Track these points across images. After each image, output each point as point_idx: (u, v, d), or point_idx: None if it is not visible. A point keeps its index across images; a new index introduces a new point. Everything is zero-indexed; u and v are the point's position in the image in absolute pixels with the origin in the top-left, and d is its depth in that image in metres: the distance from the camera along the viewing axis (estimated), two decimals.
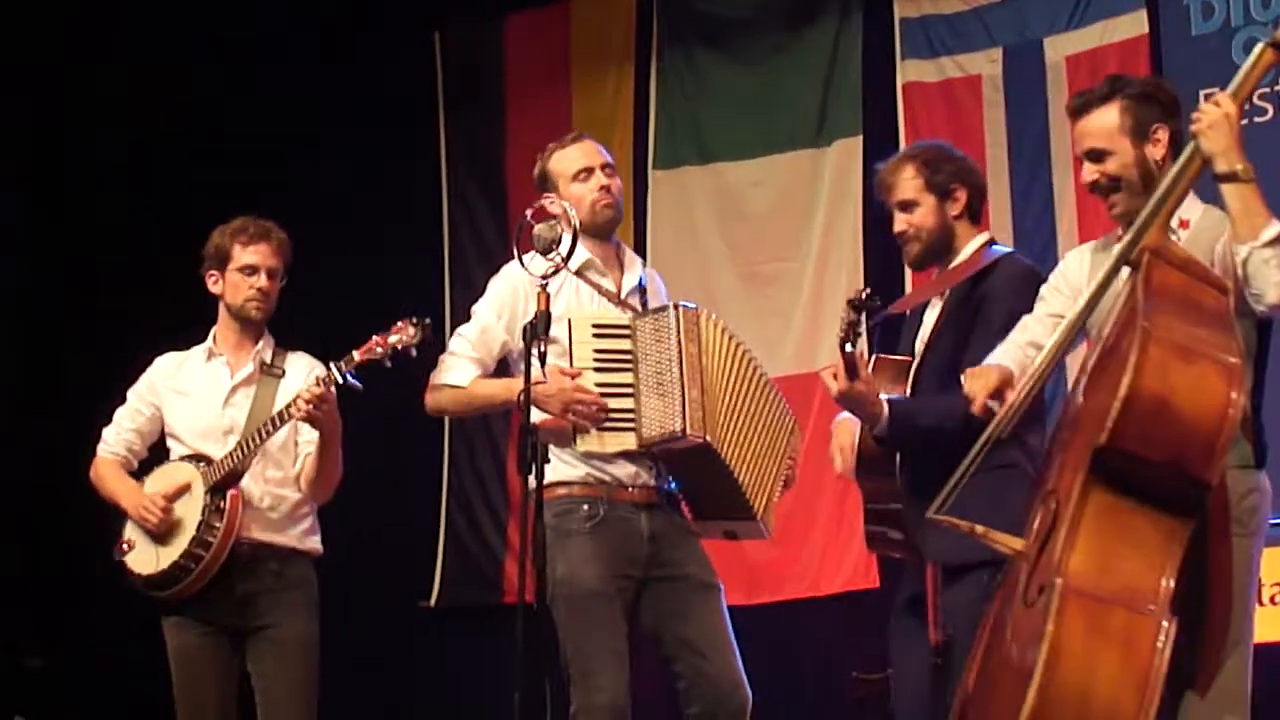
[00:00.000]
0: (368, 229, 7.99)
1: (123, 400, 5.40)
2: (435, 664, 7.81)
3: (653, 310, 4.91)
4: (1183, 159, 3.99)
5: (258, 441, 5.10)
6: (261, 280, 5.23)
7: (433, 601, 7.91)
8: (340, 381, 5.01)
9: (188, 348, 5.38)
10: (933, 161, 4.70)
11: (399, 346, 4.98)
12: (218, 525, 5.08)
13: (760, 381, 4.94)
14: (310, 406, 4.97)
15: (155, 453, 5.40)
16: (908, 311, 4.84)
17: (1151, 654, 3.57)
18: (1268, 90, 6.55)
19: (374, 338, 5.02)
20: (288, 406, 5.05)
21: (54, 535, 7.56)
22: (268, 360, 5.29)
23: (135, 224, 7.92)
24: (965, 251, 4.66)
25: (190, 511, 5.13)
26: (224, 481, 5.11)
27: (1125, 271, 3.96)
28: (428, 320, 5.04)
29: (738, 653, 4.85)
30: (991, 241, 4.73)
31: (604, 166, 4.99)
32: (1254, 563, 4.01)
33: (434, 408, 5.05)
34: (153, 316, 7.50)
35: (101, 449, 5.38)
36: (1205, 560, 3.87)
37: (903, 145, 7.13)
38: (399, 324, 5.01)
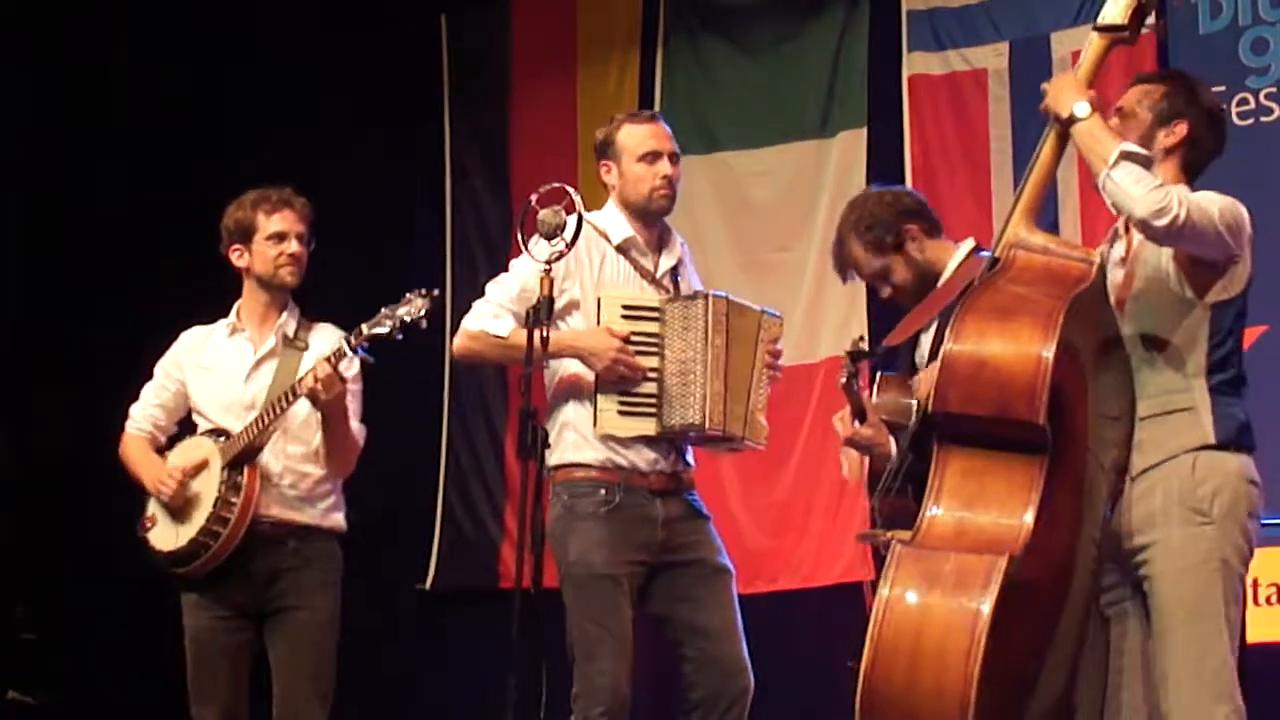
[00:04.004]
0: (370, 211, 7.99)
1: (142, 375, 5.39)
2: (430, 646, 7.82)
3: (684, 297, 4.93)
4: (1035, 153, 4.14)
5: (274, 415, 5.08)
6: (293, 246, 5.23)
7: (428, 584, 7.93)
8: (350, 355, 5.00)
9: (211, 322, 5.38)
10: (870, 225, 4.72)
11: (407, 319, 4.96)
12: (235, 500, 5.07)
13: (749, 323, 4.93)
14: (316, 384, 4.95)
15: (184, 429, 5.39)
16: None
17: (983, 592, 3.69)
18: (1274, 89, 6.57)
19: (382, 310, 4.99)
20: (299, 381, 5.03)
21: (49, 508, 7.56)
22: (290, 333, 5.27)
23: (135, 197, 7.92)
24: (950, 266, 4.69)
25: (207, 487, 5.12)
26: (241, 456, 5.10)
27: None
28: (435, 291, 5.04)
29: (744, 639, 4.89)
30: (978, 248, 4.73)
31: (671, 154, 5.00)
32: (1226, 551, 4.00)
33: (466, 352, 5.00)
34: (151, 291, 7.54)
35: (129, 426, 5.38)
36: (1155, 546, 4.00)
37: (907, 138, 7.17)
38: (407, 295, 5.00)
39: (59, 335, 7.84)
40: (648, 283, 4.97)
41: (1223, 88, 6.62)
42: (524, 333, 4.78)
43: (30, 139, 7.94)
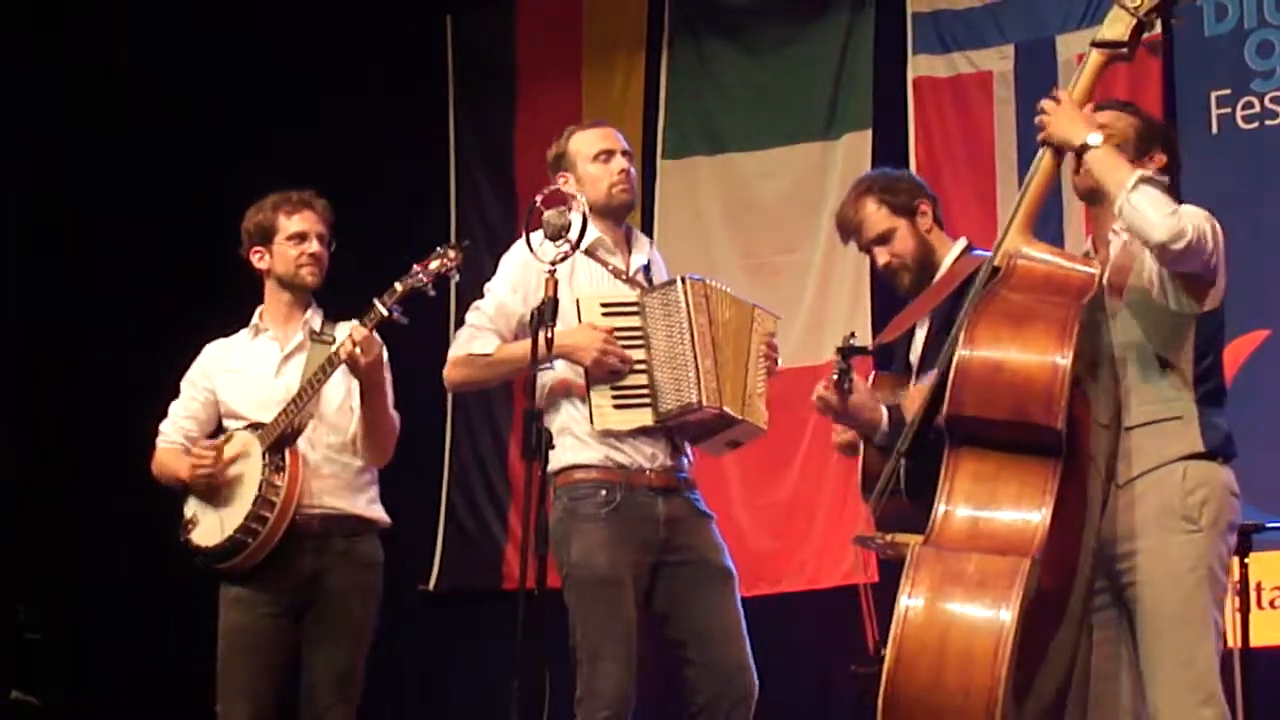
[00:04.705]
0: (374, 211, 7.97)
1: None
2: (433, 646, 7.81)
3: (660, 285, 4.92)
4: (1033, 166, 4.16)
5: (311, 392, 5.05)
6: (313, 246, 5.23)
7: (431, 585, 7.92)
8: (385, 314, 4.97)
9: (230, 334, 5.36)
10: (888, 186, 4.74)
11: (441, 271, 4.97)
12: (279, 483, 5.03)
13: (741, 313, 4.94)
14: (354, 348, 4.91)
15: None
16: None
17: (1008, 593, 3.72)
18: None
19: (414, 266, 5.00)
20: (336, 350, 5.00)
21: (50, 508, 7.55)
22: (317, 328, 5.25)
23: (135, 197, 7.91)
24: (946, 262, 4.68)
25: (250, 473, 5.07)
26: (280, 440, 5.06)
27: None
28: (466, 242, 5.07)
29: (747, 640, 4.87)
30: (970, 247, 4.73)
31: (624, 152, 5.03)
32: (1212, 559, 4.03)
33: (457, 381, 5.01)
34: (151, 291, 7.54)
35: (159, 441, 5.33)
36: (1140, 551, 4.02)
37: (912, 140, 7.19)
38: (437, 250, 5.01)
39: (59, 335, 7.82)
40: (621, 281, 4.96)
41: (1228, 91, 6.64)
42: (509, 347, 4.85)
43: (30, 139, 7.93)
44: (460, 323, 5.05)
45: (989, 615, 3.72)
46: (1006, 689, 3.69)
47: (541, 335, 4.40)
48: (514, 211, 7.76)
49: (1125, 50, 4.17)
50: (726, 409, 4.81)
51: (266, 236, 5.23)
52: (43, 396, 7.56)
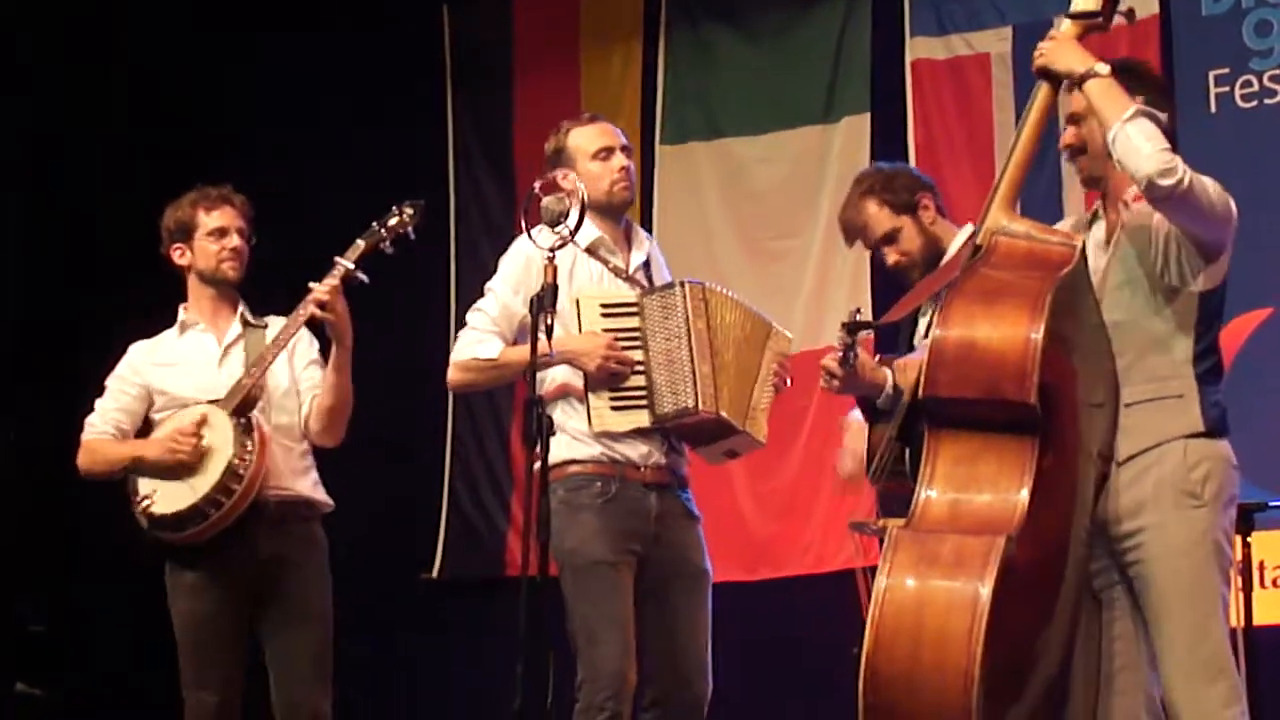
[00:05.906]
0: (373, 204, 7.96)
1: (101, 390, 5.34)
2: (436, 635, 7.81)
3: (660, 288, 4.93)
4: (1023, 117, 4.13)
5: (272, 355, 5.05)
6: (234, 240, 5.23)
7: (435, 573, 7.92)
8: (350, 267, 5.03)
9: (152, 336, 5.34)
10: (887, 184, 4.75)
11: (400, 230, 5.08)
12: (251, 446, 5.00)
13: (754, 326, 4.96)
14: (323, 296, 4.94)
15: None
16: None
17: (982, 572, 3.72)
18: (1278, 71, 6.57)
19: (374, 223, 5.08)
20: (299, 308, 5.02)
21: (54, 501, 7.55)
22: (250, 319, 5.26)
23: (135, 197, 7.89)
24: (953, 247, 4.67)
25: (219, 439, 5.03)
26: (241, 407, 5.05)
27: None
28: (422, 201, 5.15)
29: (709, 643, 4.88)
30: (977, 231, 4.73)
31: (623, 148, 5.03)
32: (1218, 533, 4.03)
33: (461, 383, 5.04)
34: (151, 291, 7.52)
35: (88, 433, 5.26)
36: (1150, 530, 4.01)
37: (910, 123, 7.18)
38: (394, 207, 5.11)
39: (58, 335, 7.82)
40: (621, 280, 4.97)
41: (1226, 70, 6.63)
42: (513, 351, 4.87)
43: (30, 139, 7.94)
44: (460, 311, 5.05)
45: (964, 594, 3.72)
46: (983, 666, 3.68)
47: (542, 321, 4.40)
48: (514, 203, 7.73)
49: (1100, 20, 4.15)
50: (723, 414, 4.82)
51: (186, 233, 5.25)
52: (43, 396, 7.56)
